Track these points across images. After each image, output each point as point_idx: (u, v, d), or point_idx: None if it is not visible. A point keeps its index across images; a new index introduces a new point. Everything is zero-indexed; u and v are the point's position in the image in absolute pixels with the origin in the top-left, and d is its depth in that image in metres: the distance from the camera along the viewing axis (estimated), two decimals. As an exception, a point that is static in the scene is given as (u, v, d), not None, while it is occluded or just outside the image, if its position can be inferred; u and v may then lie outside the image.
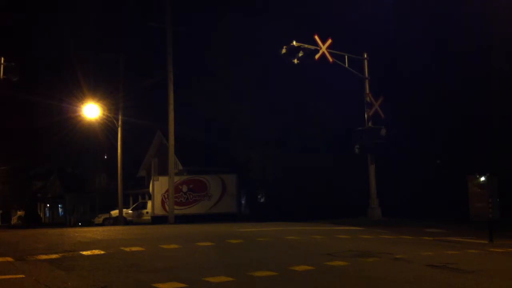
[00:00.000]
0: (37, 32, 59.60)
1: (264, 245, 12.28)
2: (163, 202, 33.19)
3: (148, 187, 36.00)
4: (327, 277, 8.10)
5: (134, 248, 10.91)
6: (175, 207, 29.08)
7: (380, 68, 25.95)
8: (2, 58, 22.24)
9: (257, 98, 31.26)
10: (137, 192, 45.91)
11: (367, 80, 24.98)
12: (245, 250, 11.45)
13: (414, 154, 27.12)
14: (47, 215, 58.91)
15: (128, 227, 25.46)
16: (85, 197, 48.11)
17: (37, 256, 9.73)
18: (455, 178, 24.81)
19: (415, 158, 27.15)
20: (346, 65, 24.00)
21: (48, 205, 59.66)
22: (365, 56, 25.08)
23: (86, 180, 53.70)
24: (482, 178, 22.98)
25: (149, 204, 35.65)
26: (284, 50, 22.12)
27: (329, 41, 23.08)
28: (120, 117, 35.07)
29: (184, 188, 33.82)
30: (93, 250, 10.57)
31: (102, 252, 10.38)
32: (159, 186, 33.61)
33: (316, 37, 22.83)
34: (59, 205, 56.34)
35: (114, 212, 37.23)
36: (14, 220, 55.67)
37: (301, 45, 22.20)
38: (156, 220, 31.95)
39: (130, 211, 37.54)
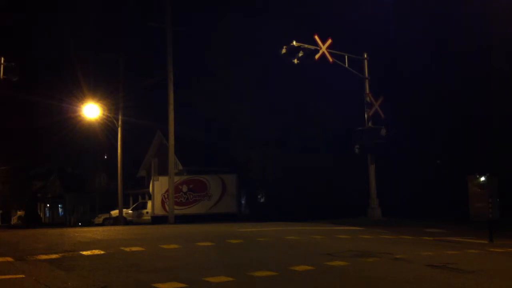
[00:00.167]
0: (37, 32, 59.64)
1: (264, 245, 12.28)
2: (163, 202, 33.19)
3: (148, 187, 36.01)
4: (327, 277, 8.10)
5: (134, 248, 10.91)
6: (175, 207, 29.08)
7: (380, 68, 25.95)
8: (2, 58, 22.24)
9: (257, 98, 31.26)
10: (137, 192, 45.91)
11: (367, 80, 24.98)
12: (245, 250, 11.45)
13: (414, 154, 27.12)
14: (47, 215, 58.92)
15: (128, 227, 25.46)
16: (85, 197, 48.12)
17: (37, 256, 9.73)
18: (455, 178, 24.81)
19: (415, 158, 27.15)
20: (346, 65, 24.00)
21: (48, 205, 59.67)
22: (365, 56, 25.08)
23: (86, 180, 53.70)
24: (482, 178, 22.98)
25: (149, 204, 35.65)
26: (284, 50, 22.11)
27: (329, 41, 23.08)
28: (120, 117, 35.07)
29: (184, 188, 33.82)
30: (93, 250, 10.57)
31: (102, 252, 10.38)
32: (159, 186, 33.61)
33: (316, 37, 22.83)
34: (59, 205, 56.36)
35: (114, 212, 37.23)
36: (14, 220, 55.69)
37: (301, 45, 22.20)
38: (156, 220, 31.95)
39: (130, 211, 37.54)
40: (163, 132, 37.78)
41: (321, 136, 29.46)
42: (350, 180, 27.98)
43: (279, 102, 30.48)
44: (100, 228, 22.00)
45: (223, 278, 7.60)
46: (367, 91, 24.86)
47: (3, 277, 7.73)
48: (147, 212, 36.01)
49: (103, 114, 35.02)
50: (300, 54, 22.09)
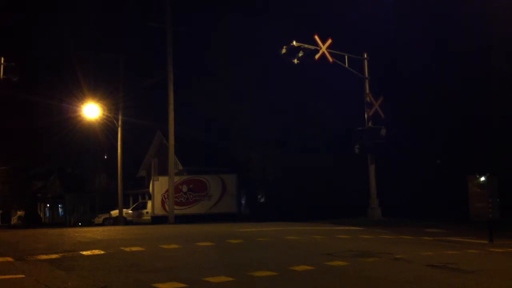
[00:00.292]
0: (37, 32, 59.63)
1: (264, 245, 12.28)
2: (163, 202, 33.19)
3: (148, 187, 36.01)
4: (327, 277, 8.10)
5: (134, 248, 10.91)
6: (175, 207, 29.08)
7: (380, 68, 25.95)
8: (2, 58, 22.23)
9: (257, 98, 31.26)
10: (137, 192, 45.91)
11: (367, 80, 24.98)
12: (245, 250, 11.45)
13: (414, 154, 27.12)
14: (47, 215, 58.92)
15: (128, 227, 25.46)
16: (85, 197, 48.12)
17: (37, 256, 9.73)
18: (455, 178, 24.81)
19: (415, 158, 27.15)
20: (346, 65, 24.00)
21: (48, 205, 59.67)
22: (365, 56, 25.08)
23: (86, 180, 53.70)
24: (482, 178, 22.98)
25: (149, 204, 35.65)
26: (284, 50, 22.11)
27: (329, 41, 23.08)
28: (120, 117, 35.07)
29: (184, 188, 33.82)
30: (93, 250, 10.57)
31: (102, 252, 10.38)
32: (159, 186, 33.61)
33: (316, 37, 22.82)
34: (59, 205, 56.36)
35: (114, 212, 37.23)
36: (14, 220, 55.70)
37: (301, 45, 22.20)
38: (156, 220, 31.95)
39: (130, 211, 37.54)
40: (163, 132, 37.78)
41: (321, 136, 29.46)
42: (350, 180, 27.98)
43: (279, 102, 30.48)
44: (100, 228, 21.99)
45: (223, 278, 7.60)
46: (367, 91, 24.86)
47: (3, 277, 7.73)
48: (147, 212, 36.01)
49: (103, 114, 35.02)
50: (300, 54, 22.09)
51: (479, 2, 24.22)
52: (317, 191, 29.70)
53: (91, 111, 34.64)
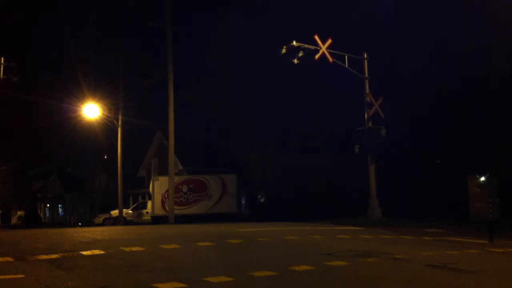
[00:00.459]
0: (37, 32, 59.65)
1: (264, 245, 12.28)
2: (163, 202, 33.19)
3: (148, 187, 36.01)
4: (327, 277, 8.10)
5: (134, 248, 10.91)
6: (175, 207, 29.08)
7: (380, 68, 25.95)
8: (2, 58, 22.23)
9: (257, 98, 31.26)
10: (137, 192, 45.91)
11: (367, 80, 24.98)
12: (245, 250, 11.45)
13: (414, 154, 27.12)
14: (47, 215, 58.92)
15: (128, 227, 25.46)
16: (85, 197, 48.13)
17: (37, 256, 9.73)
18: (455, 178, 24.81)
19: (415, 158, 27.14)
20: (346, 65, 24.00)
21: (48, 205, 59.67)
22: (365, 56, 25.07)
23: (86, 180, 53.70)
24: (482, 178, 22.97)
25: (149, 204, 35.65)
26: (284, 50, 22.11)
27: (329, 41, 23.08)
28: (120, 117, 35.07)
29: (184, 188, 33.82)
30: (93, 250, 10.57)
31: (102, 252, 10.38)
32: (159, 186, 33.61)
33: (316, 37, 22.82)
34: (59, 205, 56.36)
35: (114, 212, 37.23)
36: (14, 220, 55.71)
37: (301, 45, 22.20)
38: (156, 220, 31.95)
39: (130, 211, 37.54)
40: (163, 132, 37.78)
41: (321, 136, 29.45)
42: (350, 180, 27.98)
43: (279, 102, 30.48)
44: (100, 228, 22.00)
45: (223, 278, 7.60)
46: (367, 91, 24.86)
47: (3, 277, 7.73)
48: (147, 212, 36.01)
49: (103, 114, 35.02)
50: (300, 54, 22.09)
51: (479, 2, 24.22)
52: (317, 191, 29.70)
53: (91, 111, 34.64)
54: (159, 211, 33.11)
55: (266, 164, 32.22)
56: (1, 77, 22.19)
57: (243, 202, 37.30)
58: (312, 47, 22.66)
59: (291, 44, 22.02)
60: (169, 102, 27.87)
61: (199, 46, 36.69)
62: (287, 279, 7.84)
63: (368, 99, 24.78)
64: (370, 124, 24.51)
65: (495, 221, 15.86)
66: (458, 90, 25.47)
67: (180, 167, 37.52)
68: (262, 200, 36.13)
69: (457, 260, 9.91)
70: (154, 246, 11.46)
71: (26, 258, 9.47)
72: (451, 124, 26.15)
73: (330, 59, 23.18)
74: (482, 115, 24.90)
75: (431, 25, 26.79)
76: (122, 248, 10.93)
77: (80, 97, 34.84)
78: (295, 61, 22.16)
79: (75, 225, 42.11)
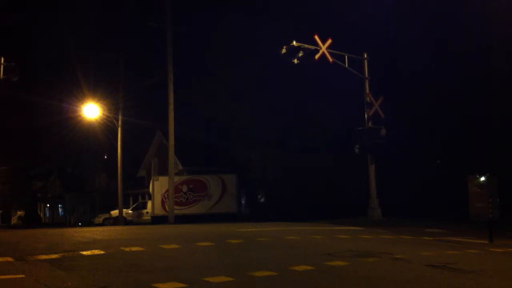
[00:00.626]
0: (37, 32, 59.65)
1: (264, 245, 12.28)
2: (163, 202, 33.19)
3: (148, 187, 36.01)
4: (327, 277, 8.10)
5: (134, 248, 10.91)
6: (175, 207, 29.08)
7: (380, 68, 25.95)
8: (2, 58, 22.23)
9: (257, 98, 31.26)
10: (137, 192, 45.91)
11: (367, 80, 24.98)
12: (245, 250, 11.45)
13: (414, 154, 27.12)
14: (47, 215, 58.93)
15: (128, 227, 25.46)
16: (85, 197, 48.13)
17: (37, 256, 9.73)
18: (455, 178, 24.81)
19: (415, 158, 27.15)
20: (346, 65, 24.00)
21: (48, 205, 59.67)
22: (365, 56, 25.07)
23: (86, 180, 53.70)
24: (482, 178, 22.97)
25: (149, 204, 35.65)
26: (284, 50, 22.11)
27: (329, 41, 23.08)
28: (120, 117, 35.07)
29: (184, 188, 33.82)
30: (93, 250, 10.57)
31: (102, 252, 10.38)
32: (159, 186, 33.61)
33: (316, 37, 22.82)
34: (59, 205, 56.36)
35: (114, 212, 37.23)
36: (14, 220, 55.71)
37: (301, 45, 22.19)
38: (156, 220, 31.95)
39: (130, 211, 37.54)
40: (163, 132, 37.78)
41: (321, 136, 29.45)
42: (350, 180, 27.97)
43: (279, 102, 30.48)
44: (100, 228, 22.00)
45: (223, 278, 7.60)
46: (367, 91, 24.86)
47: (3, 277, 7.73)
48: (147, 212, 36.01)
49: (103, 114, 35.02)
50: (300, 54, 22.09)
51: (479, 2, 24.22)
52: (317, 191, 29.70)
53: (91, 111, 34.63)
54: (159, 211, 33.11)
55: (266, 164, 32.22)
56: (1, 77, 22.19)
57: (243, 202, 37.31)
58: (312, 47, 22.66)
59: (291, 44, 22.02)
60: (169, 102, 27.87)
61: (199, 46, 36.72)
62: (287, 279, 7.84)
63: (368, 99, 24.78)
64: (370, 124, 24.51)
65: (495, 221, 15.86)
66: (458, 90, 25.46)
67: (180, 167, 37.52)
68: (262, 200, 36.13)
69: (457, 260, 9.91)
70: (154, 246, 11.46)
71: (26, 258, 9.47)
72: (451, 124, 26.15)
73: (330, 59, 23.18)
74: (482, 115, 24.90)
75: (431, 25, 26.79)
76: (122, 248, 10.93)
77: (80, 97, 34.88)
78: (295, 61, 22.16)
79: (75, 225, 42.11)
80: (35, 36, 56.92)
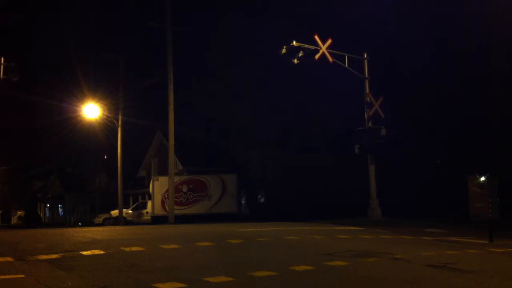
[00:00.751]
0: (37, 32, 59.66)
1: (264, 245, 12.28)
2: (163, 202, 33.19)
3: (148, 187, 36.01)
4: (327, 277, 8.10)
5: (134, 248, 10.91)
6: (175, 207, 29.08)
7: (380, 68, 25.95)
8: (2, 58, 22.23)
9: (257, 98, 31.26)
10: (137, 192, 45.91)
11: (367, 80, 24.98)
12: (245, 250, 11.45)
13: (414, 154, 27.12)
14: (47, 215, 58.92)
15: (128, 227, 25.46)
16: (85, 197, 48.13)
17: (37, 256, 9.73)
18: (455, 178, 24.81)
19: (415, 158, 27.15)
20: (346, 65, 24.00)
21: (48, 205, 59.67)
22: (365, 56, 25.07)
23: (86, 180, 53.70)
24: (482, 178, 22.97)
25: (149, 204, 35.65)
26: (284, 50, 22.11)
27: (329, 41, 23.08)
28: (120, 117, 35.07)
29: (184, 188, 33.82)
30: (93, 250, 10.57)
31: (102, 252, 10.38)
32: (159, 186, 33.61)
33: (316, 37, 22.82)
34: (59, 205, 56.37)
35: (114, 212, 37.23)
36: (14, 220, 55.71)
37: (301, 45, 22.19)
38: (156, 220, 31.95)
39: (130, 211, 37.55)
40: (163, 132, 37.79)
41: (321, 136, 29.45)
42: (350, 180, 27.97)
43: (279, 102, 30.48)
44: (100, 228, 22.00)
45: (223, 278, 7.60)
46: (367, 91, 24.86)
47: (3, 277, 7.73)
48: (147, 212, 36.01)
49: (103, 114, 35.02)
50: (300, 54, 22.09)
51: (479, 2, 24.22)
52: (317, 191, 29.70)
53: (91, 111, 34.64)
54: (159, 211, 33.11)
55: (266, 164, 32.22)
56: (1, 77, 22.19)
57: (243, 202, 37.30)
58: (312, 47, 22.66)
59: (291, 44, 22.02)
60: (169, 102, 27.87)
61: (199, 46, 36.72)
62: (287, 279, 7.84)
63: (368, 99, 24.78)
64: (370, 124, 24.51)
65: (495, 221, 15.86)
66: (458, 90, 25.46)
67: (180, 167, 37.52)
68: (262, 200, 36.13)
69: (457, 260, 9.91)
70: (154, 246, 11.46)
71: (26, 258, 9.47)
72: (451, 124, 26.15)
73: (330, 59, 23.18)
74: (482, 115, 24.90)
75: (431, 25, 26.79)
76: (122, 248, 10.93)
77: (80, 97, 34.88)
78: (295, 61, 22.16)
79: (75, 225, 42.11)
80: (35, 36, 56.99)
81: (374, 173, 24.57)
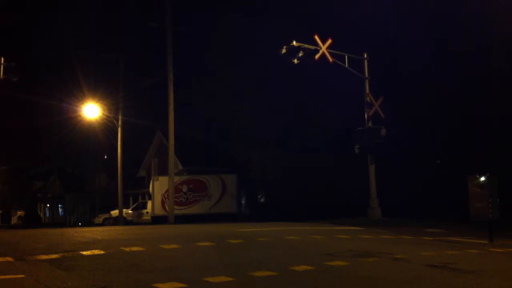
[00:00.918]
0: (37, 32, 59.66)
1: (264, 245, 12.28)
2: (163, 202, 33.19)
3: (148, 187, 36.01)
4: (327, 277, 8.10)
5: (134, 248, 10.91)
6: (175, 207, 29.08)
7: (380, 68, 25.95)
8: (2, 58, 22.23)
9: (257, 98, 31.26)
10: (137, 192, 45.91)
11: (367, 80, 24.98)
12: (245, 250, 11.45)
13: (414, 154, 27.12)
14: (47, 215, 58.93)
15: (128, 227, 25.46)
16: (85, 197, 48.13)
17: (37, 256, 9.73)
18: (455, 178, 24.81)
19: (415, 158, 27.15)
20: (346, 65, 24.00)
21: (48, 205, 59.67)
22: (365, 56, 25.07)
23: (86, 180, 53.71)
24: (482, 178, 22.97)
25: (149, 204, 35.65)
26: (284, 50, 22.11)
27: (329, 41, 23.08)
28: (120, 117, 35.07)
29: (184, 188, 33.82)
30: (93, 250, 10.57)
31: (102, 252, 10.38)
32: (159, 186, 33.61)
33: (316, 37, 22.82)
34: (59, 205, 56.37)
35: (114, 212, 37.23)
36: (14, 220, 55.71)
37: (301, 45, 22.19)
38: (156, 220, 31.95)
39: (130, 211, 37.55)
40: (163, 132, 37.79)
41: (321, 136, 29.45)
42: (350, 180, 27.97)
43: (279, 102, 30.48)
44: (100, 228, 22.00)
45: (223, 278, 7.60)
46: (367, 91, 24.86)
47: (3, 277, 7.73)
48: (147, 212, 36.01)
49: (103, 114, 35.02)
50: (300, 54, 22.09)
51: (479, 2, 24.22)
52: (317, 191, 29.70)
53: (91, 111, 34.64)
54: (159, 211, 33.11)
55: (266, 164, 32.22)
56: (1, 77, 22.19)
57: (243, 202, 37.31)
58: (312, 47, 22.66)
59: (291, 44, 22.02)
60: (169, 102, 27.88)
61: (199, 46, 36.73)
62: (287, 279, 7.84)
63: (368, 99, 24.78)
64: (370, 124, 24.51)
65: (495, 221, 15.86)
66: (458, 90, 25.47)
67: (180, 167, 37.52)
68: (262, 200, 36.13)
69: (457, 260, 9.91)
70: (154, 246, 11.46)
71: (26, 258, 9.47)
72: (451, 124, 26.15)
73: (330, 59, 23.18)
74: (482, 115, 24.90)
75: (431, 25, 26.79)
76: (122, 248, 10.93)
77: (80, 97, 34.88)
78: (295, 61, 22.16)
79: (75, 225, 42.11)
80: (35, 36, 56.99)
81: (374, 173, 24.57)
